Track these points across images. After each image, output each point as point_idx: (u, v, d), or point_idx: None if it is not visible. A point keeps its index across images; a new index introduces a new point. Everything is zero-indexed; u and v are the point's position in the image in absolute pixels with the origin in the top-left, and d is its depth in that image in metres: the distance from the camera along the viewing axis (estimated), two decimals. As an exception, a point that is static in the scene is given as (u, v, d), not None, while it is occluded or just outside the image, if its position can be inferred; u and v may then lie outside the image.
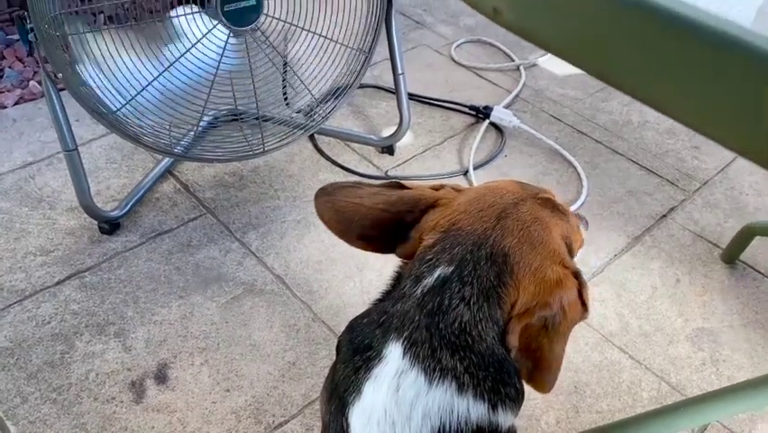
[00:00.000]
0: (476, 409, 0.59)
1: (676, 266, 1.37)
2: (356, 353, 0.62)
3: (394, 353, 0.60)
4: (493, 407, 0.60)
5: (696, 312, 1.28)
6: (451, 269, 0.62)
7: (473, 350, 0.60)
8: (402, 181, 0.73)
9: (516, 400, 0.62)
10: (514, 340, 0.62)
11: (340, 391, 0.62)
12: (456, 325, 0.60)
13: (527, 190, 0.71)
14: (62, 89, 1.16)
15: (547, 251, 0.65)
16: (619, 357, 1.19)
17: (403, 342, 0.60)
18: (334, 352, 0.70)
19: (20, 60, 1.71)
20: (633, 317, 1.26)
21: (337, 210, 0.71)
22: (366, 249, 0.73)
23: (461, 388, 0.59)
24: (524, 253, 0.63)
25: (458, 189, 0.73)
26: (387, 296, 0.68)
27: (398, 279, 0.69)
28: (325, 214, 0.72)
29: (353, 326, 0.66)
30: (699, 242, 1.43)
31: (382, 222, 0.70)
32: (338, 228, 0.72)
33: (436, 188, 0.72)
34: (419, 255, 0.65)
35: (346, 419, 0.60)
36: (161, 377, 1.08)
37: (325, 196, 0.72)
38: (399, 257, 0.70)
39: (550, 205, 0.70)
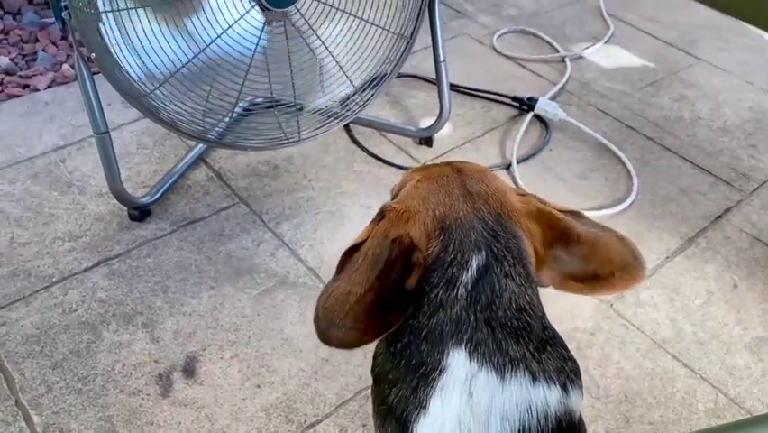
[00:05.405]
0: (552, 397, 0.56)
1: (733, 270, 1.29)
2: (408, 373, 0.59)
3: (458, 360, 0.56)
4: (564, 388, 0.57)
5: (755, 320, 1.20)
6: (483, 253, 0.61)
7: (531, 328, 0.59)
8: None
9: (579, 373, 0.60)
10: (546, 279, 0.64)
11: (397, 413, 0.58)
12: (512, 304, 0.59)
13: (446, 165, 0.71)
14: (96, 72, 1.13)
15: (508, 192, 0.66)
16: (673, 365, 1.11)
17: (465, 346, 0.57)
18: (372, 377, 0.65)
19: (53, 44, 1.69)
20: (687, 323, 1.18)
21: (356, 318, 0.61)
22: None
23: (534, 376, 0.56)
24: (506, 204, 0.65)
25: (397, 197, 0.68)
26: (404, 320, 0.61)
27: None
28: (353, 337, 0.61)
29: (389, 353, 0.61)
30: (757, 245, 1.34)
31: (386, 284, 0.61)
32: (371, 329, 0.61)
33: (382, 215, 0.64)
34: (434, 265, 0.60)
35: None
36: (189, 370, 1.04)
37: (336, 327, 0.62)
38: (410, 289, 0.62)
39: (460, 163, 0.72)
